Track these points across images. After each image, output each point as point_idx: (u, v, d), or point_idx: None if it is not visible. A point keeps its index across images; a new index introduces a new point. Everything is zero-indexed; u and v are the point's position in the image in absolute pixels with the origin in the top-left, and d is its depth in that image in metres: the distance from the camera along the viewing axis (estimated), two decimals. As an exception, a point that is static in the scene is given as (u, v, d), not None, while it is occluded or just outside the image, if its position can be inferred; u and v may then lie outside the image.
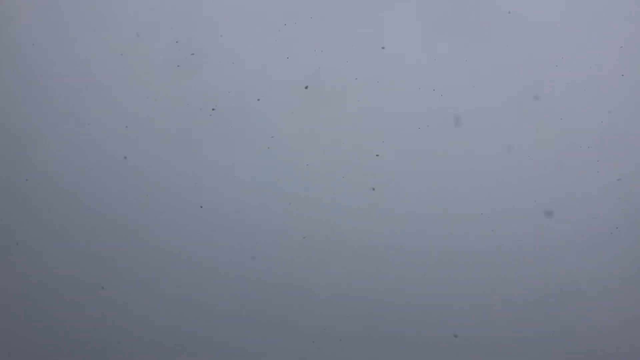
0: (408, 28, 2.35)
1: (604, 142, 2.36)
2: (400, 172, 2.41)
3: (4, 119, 2.41)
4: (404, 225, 2.42)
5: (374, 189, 2.38)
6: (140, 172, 2.42)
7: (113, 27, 2.36)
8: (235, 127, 2.40)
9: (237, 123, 2.40)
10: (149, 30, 2.35)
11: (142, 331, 2.47)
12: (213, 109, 2.39)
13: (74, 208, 2.44)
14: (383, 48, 2.36)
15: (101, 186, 2.44)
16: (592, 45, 2.34)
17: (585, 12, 2.34)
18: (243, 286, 2.45)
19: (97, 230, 2.44)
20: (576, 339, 2.43)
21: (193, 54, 2.36)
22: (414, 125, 2.38)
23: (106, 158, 2.42)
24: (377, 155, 2.38)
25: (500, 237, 2.41)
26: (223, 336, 2.47)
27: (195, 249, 2.45)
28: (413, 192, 2.41)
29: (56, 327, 2.48)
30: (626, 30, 2.34)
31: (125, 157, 2.41)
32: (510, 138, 2.37)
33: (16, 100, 2.40)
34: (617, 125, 2.35)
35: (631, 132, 2.37)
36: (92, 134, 2.41)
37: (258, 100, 2.39)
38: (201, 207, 2.43)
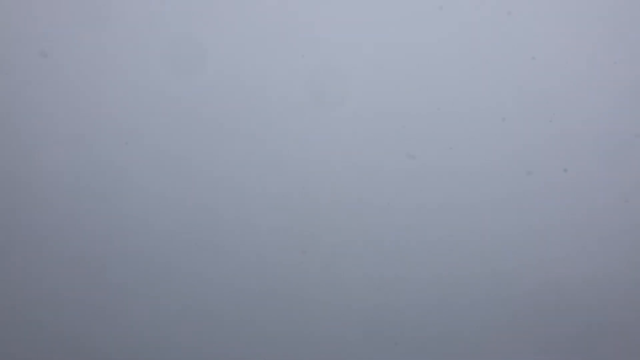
0: (413, 26, 2.35)
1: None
2: (402, 171, 2.41)
3: (2, 118, 2.40)
4: (406, 226, 2.42)
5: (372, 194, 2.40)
6: (139, 171, 2.41)
7: (114, 27, 2.35)
8: (236, 127, 2.40)
9: (238, 123, 2.40)
10: (149, 29, 2.34)
11: (142, 334, 2.47)
12: (212, 109, 2.39)
13: (73, 209, 2.44)
14: (387, 47, 2.36)
15: (100, 186, 2.43)
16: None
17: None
18: (244, 288, 2.45)
19: (96, 232, 2.44)
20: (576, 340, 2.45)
21: (193, 53, 2.35)
22: (418, 125, 2.38)
23: (105, 158, 2.42)
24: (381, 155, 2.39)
25: (503, 234, 2.42)
26: (223, 339, 2.48)
27: (195, 250, 2.45)
28: (415, 193, 2.41)
29: (55, 329, 2.48)
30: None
31: (125, 156, 2.41)
32: (516, 141, 2.38)
33: (14, 100, 2.39)
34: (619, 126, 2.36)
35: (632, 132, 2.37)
36: (91, 135, 2.41)
37: (258, 100, 2.39)
38: (201, 208, 2.43)
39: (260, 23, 2.34)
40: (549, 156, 2.37)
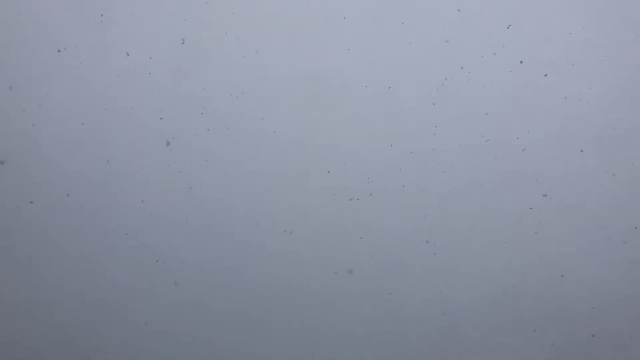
0: (410, 28, 2.35)
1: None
2: (401, 169, 2.41)
3: (3, 118, 2.41)
4: (405, 224, 2.42)
5: (371, 194, 2.40)
6: (140, 172, 2.42)
7: (115, 26, 2.35)
8: (237, 128, 2.40)
9: (239, 124, 2.40)
10: (152, 30, 2.35)
11: (141, 331, 2.47)
12: (214, 109, 2.39)
13: (73, 208, 2.44)
14: (386, 48, 2.36)
15: (100, 186, 2.43)
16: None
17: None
18: (242, 285, 2.45)
19: (95, 231, 2.44)
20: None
21: (195, 54, 2.36)
22: (415, 124, 2.39)
23: (106, 158, 2.42)
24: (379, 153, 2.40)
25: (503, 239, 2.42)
26: (221, 336, 2.48)
27: (194, 248, 2.45)
28: (414, 193, 2.41)
29: (56, 328, 2.48)
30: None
31: (126, 157, 2.42)
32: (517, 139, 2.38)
33: (16, 100, 2.40)
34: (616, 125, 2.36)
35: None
36: (92, 135, 2.41)
37: (260, 101, 2.39)
38: (200, 208, 2.43)
39: (260, 23, 2.35)
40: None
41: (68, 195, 2.43)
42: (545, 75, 2.34)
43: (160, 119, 2.39)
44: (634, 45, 2.32)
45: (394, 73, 2.36)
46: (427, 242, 2.42)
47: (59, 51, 2.36)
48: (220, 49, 2.36)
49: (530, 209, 2.40)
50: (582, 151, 2.36)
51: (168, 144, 2.40)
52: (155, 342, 2.48)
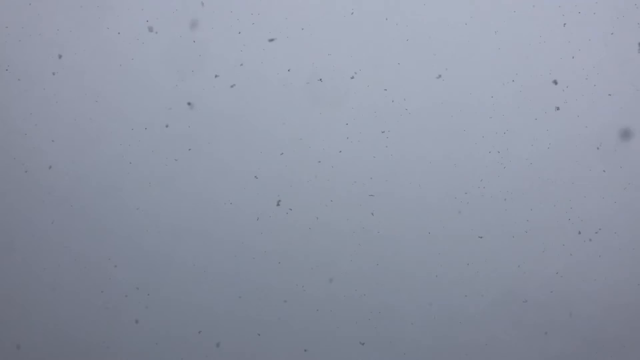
0: (411, 29, 2.33)
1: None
2: (401, 171, 2.40)
3: (2, 118, 2.40)
4: (405, 226, 2.42)
5: (372, 195, 2.39)
6: (140, 172, 2.41)
7: (115, 27, 2.34)
8: (237, 129, 2.39)
9: (239, 124, 2.39)
10: (151, 32, 2.33)
11: (141, 331, 2.48)
12: (216, 111, 2.38)
13: (73, 209, 2.44)
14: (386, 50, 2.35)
15: (100, 186, 2.43)
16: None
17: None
18: (244, 287, 2.46)
19: (96, 231, 2.44)
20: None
21: (195, 54, 2.35)
22: (415, 124, 2.37)
23: (106, 159, 2.42)
24: (374, 157, 2.38)
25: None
26: (222, 336, 2.49)
27: (196, 250, 2.45)
28: (414, 195, 2.41)
29: (55, 328, 2.49)
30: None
31: (125, 159, 2.41)
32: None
33: (14, 100, 2.39)
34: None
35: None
36: (91, 135, 2.41)
37: (260, 100, 2.38)
38: (200, 208, 2.43)
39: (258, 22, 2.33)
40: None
41: (67, 195, 2.43)
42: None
43: (159, 118, 2.39)
44: None
45: (395, 73, 2.34)
46: (427, 243, 2.42)
47: (60, 57, 2.35)
48: (219, 48, 2.34)
49: (531, 210, 2.39)
50: (583, 155, 2.35)
51: (169, 146, 2.41)
52: (154, 341, 2.49)
